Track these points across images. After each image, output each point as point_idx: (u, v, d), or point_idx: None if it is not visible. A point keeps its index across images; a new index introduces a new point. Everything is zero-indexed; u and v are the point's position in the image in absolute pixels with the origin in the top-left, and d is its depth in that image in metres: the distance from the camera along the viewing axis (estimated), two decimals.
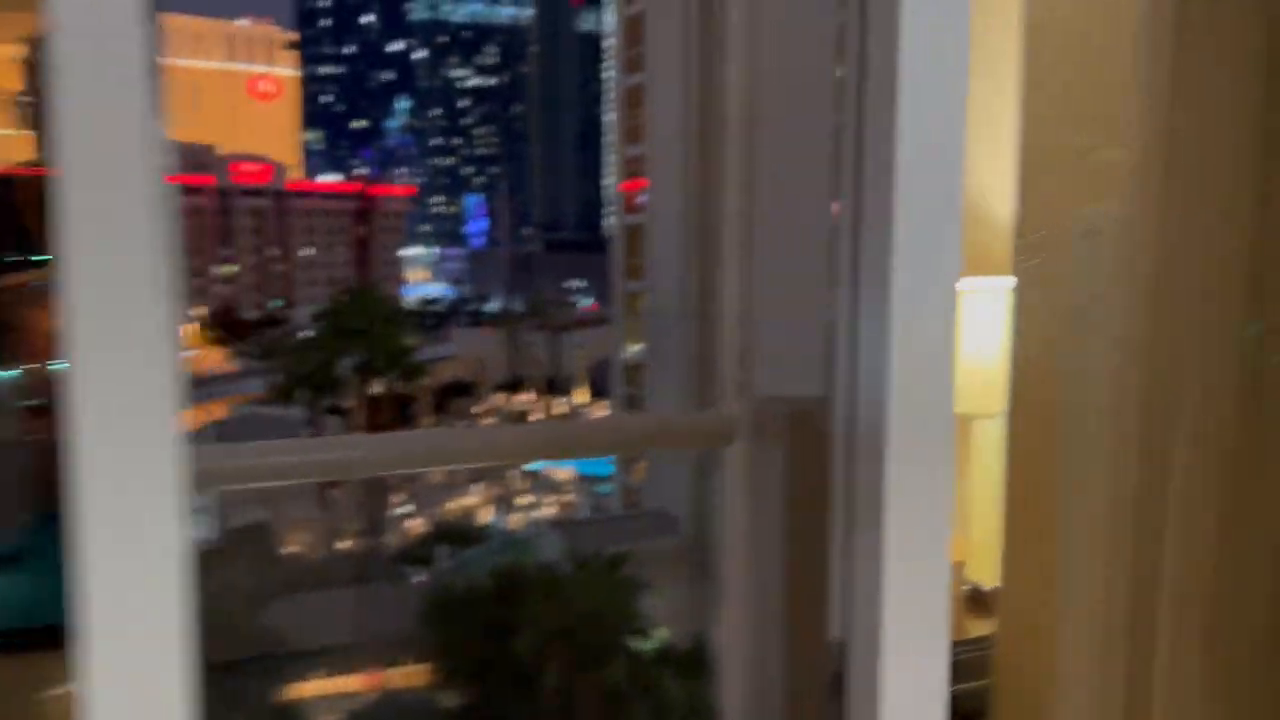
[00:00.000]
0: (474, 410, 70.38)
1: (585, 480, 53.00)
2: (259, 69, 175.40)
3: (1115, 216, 2.03)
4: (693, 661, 17.77)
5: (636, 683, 17.13)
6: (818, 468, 1.52)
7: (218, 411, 70.29)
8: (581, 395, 76.64)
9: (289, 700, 19.13)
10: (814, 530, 1.51)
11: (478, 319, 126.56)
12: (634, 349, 33.17)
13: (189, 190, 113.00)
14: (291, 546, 45.13)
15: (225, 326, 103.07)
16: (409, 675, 25.26)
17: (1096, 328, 2.19)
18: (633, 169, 33.18)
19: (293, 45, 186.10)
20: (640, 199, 32.45)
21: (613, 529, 28.96)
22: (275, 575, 36.81)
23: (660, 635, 19.36)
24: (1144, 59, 1.83)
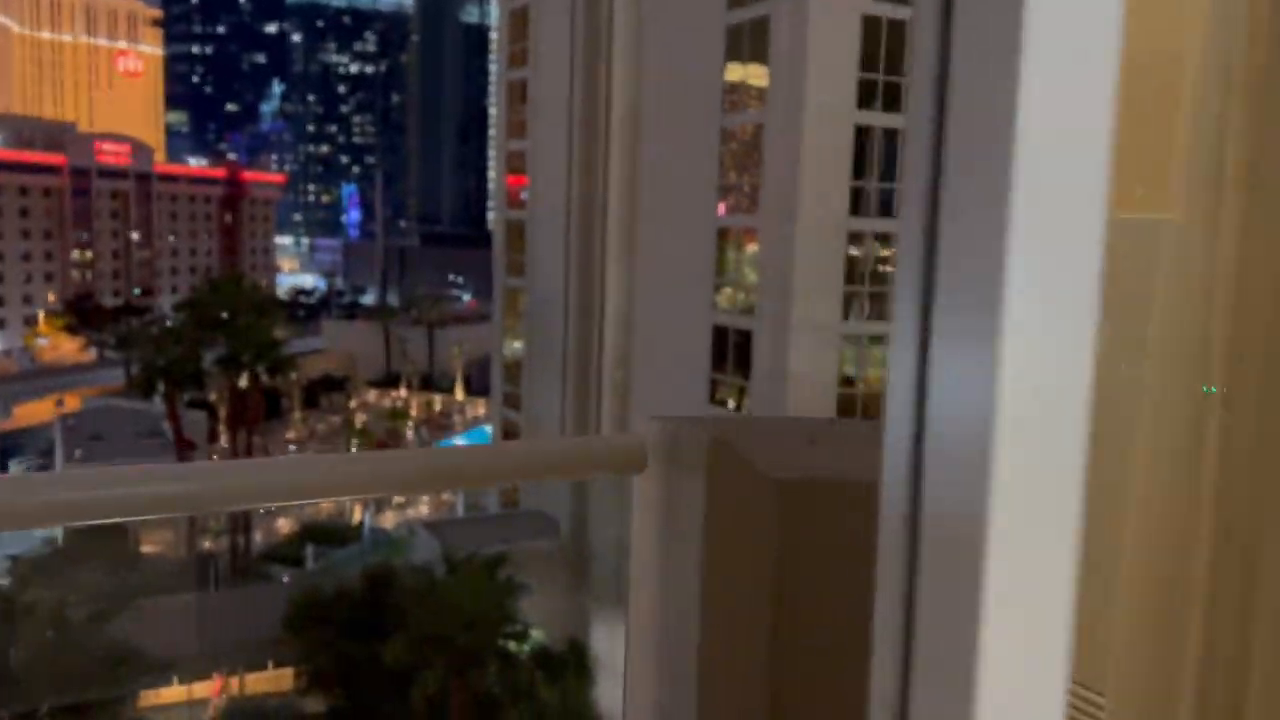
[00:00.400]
0: (349, 406, 68.43)
1: None
2: (122, 45, 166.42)
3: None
4: (569, 666, 17.67)
5: (512, 687, 16.94)
6: (744, 503, 1.39)
7: (72, 403, 66.30)
8: (458, 392, 75.43)
9: (141, 711, 18.15)
10: (743, 576, 1.39)
11: (351, 312, 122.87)
12: (514, 346, 32.85)
13: (43, 169, 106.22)
14: (150, 546, 43.04)
15: (81, 314, 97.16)
16: (271, 680, 24.34)
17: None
18: (515, 164, 32.83)
19: (157, 22, 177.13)
20: (522, 195, 32.13)
21: (489, 529, 28.61)
22: (130, 579, 34.92)
23: (536, 638, 19.18)
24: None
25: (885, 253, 22.53)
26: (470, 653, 16.84)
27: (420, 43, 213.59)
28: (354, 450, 57.68)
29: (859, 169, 21.90)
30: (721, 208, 23.48)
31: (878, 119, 21.49)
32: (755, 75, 24.08)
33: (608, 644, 23.23)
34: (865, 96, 21.52)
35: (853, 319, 22.14)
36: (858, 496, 1.64)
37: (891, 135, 21.84)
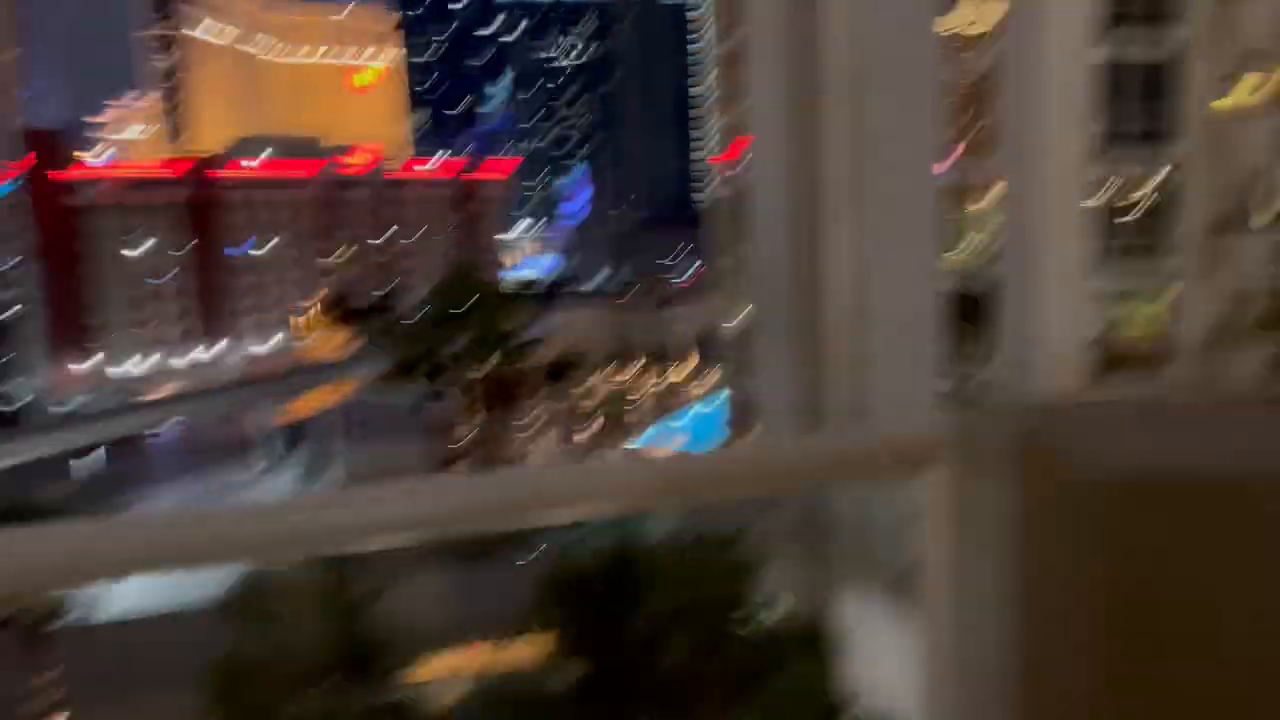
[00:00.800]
0: (583, 385, 70.78)
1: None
2: (361, 61, 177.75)
3: None
4: (811, 643, 17.43)
5: (756, 662, 16.87)
6: (1063, 510, 1.15)
7: (339, 395, 72.41)
8: (687, 367, 76.34)
9: (409, 681, 19.44)
10: (1063, 598, 1.15)
11: (579, 296, 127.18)
12: (740, 318, 32.70)
13: (298, 182, 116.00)
14: None
15: (339, 313, 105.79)
16: (523, 651, 25.57)
17: None
18: (730, 138, 32.59)
19: (397, 28, 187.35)
20: (739, 168, 31.86)
21: (723, 505, 28.74)
22: (388, 554, 37.80)
23: (777, 614, 19.04)
24: None
25: (1138, 195, 20.64)
26: (713, 627, 16.92)
27: (628, 27, 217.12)
28: (592, 427, 59.65)
29: (1104, 109, 20.09)
30: (950, 160, 22.27)
31: (1129, 52, 19.59)
32: (978, 20, 22.64)
33: (852, 622, 22.80)
34: (1110, 26, 19.69)
35: (1104, 272, 20.44)
36: (1222, 495, 1.34)
37: (1145, 70, 19.88)
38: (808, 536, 22.07)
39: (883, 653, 21.44)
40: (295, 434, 66.11)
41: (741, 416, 32.12)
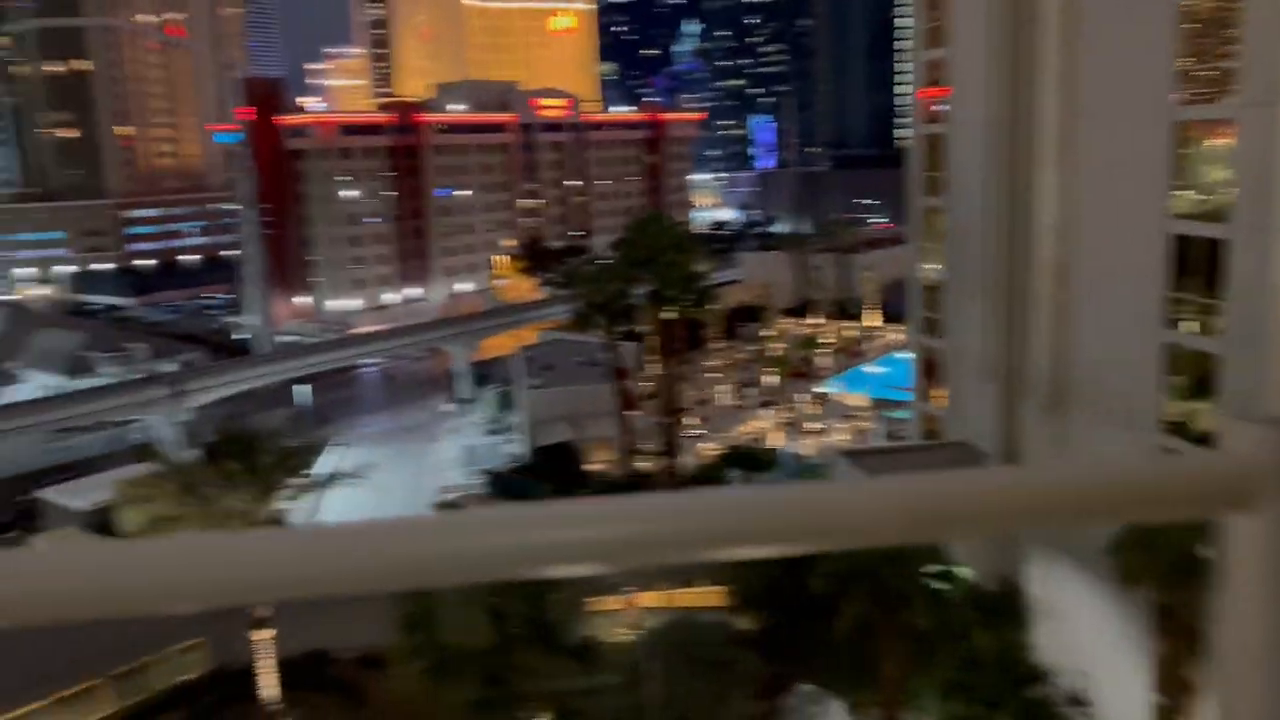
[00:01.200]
0: (764, 334, 70.12)
1: (881, 405, 51.46)
2: (558, 4, 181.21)
3: None
4: (1003, 610, 16.56)
5: (941, 626, 16.21)
6: None
7: (527, 336, 74.84)
8: (872, 319, 74.23)
9: (589, 613, 19.88)
10: None
11: (766, 242, 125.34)
12: (932, 269, 31.09)
13: (494, 128, 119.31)
14: (593, 464, 47.36)
15: (533, 257, 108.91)
16: (702, 596, 25.69)
17: None
18: (932, 75, 30.77)
19: None
20: (939, 107, 30.05)
21: (910, 460, 27.74)
22: (577, 491, 38.90)
23: (965, 577, 18.20)
24: None
25: None
26: (895, 588, 16.36)
27: None
28: (771, 378, 59.08)
29: None
30: (1179, 97, 20.10)
31: None
32: None
33: (1043, 586, 21.59)
34: None
35: None
36: None
37: None
38: None
39: (1074, 627, 20.17)
40: (487, 372, 68.77)
41: (930, 370, 30.79)
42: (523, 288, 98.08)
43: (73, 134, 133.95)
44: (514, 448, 51.87)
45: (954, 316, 28.57)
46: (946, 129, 28.67)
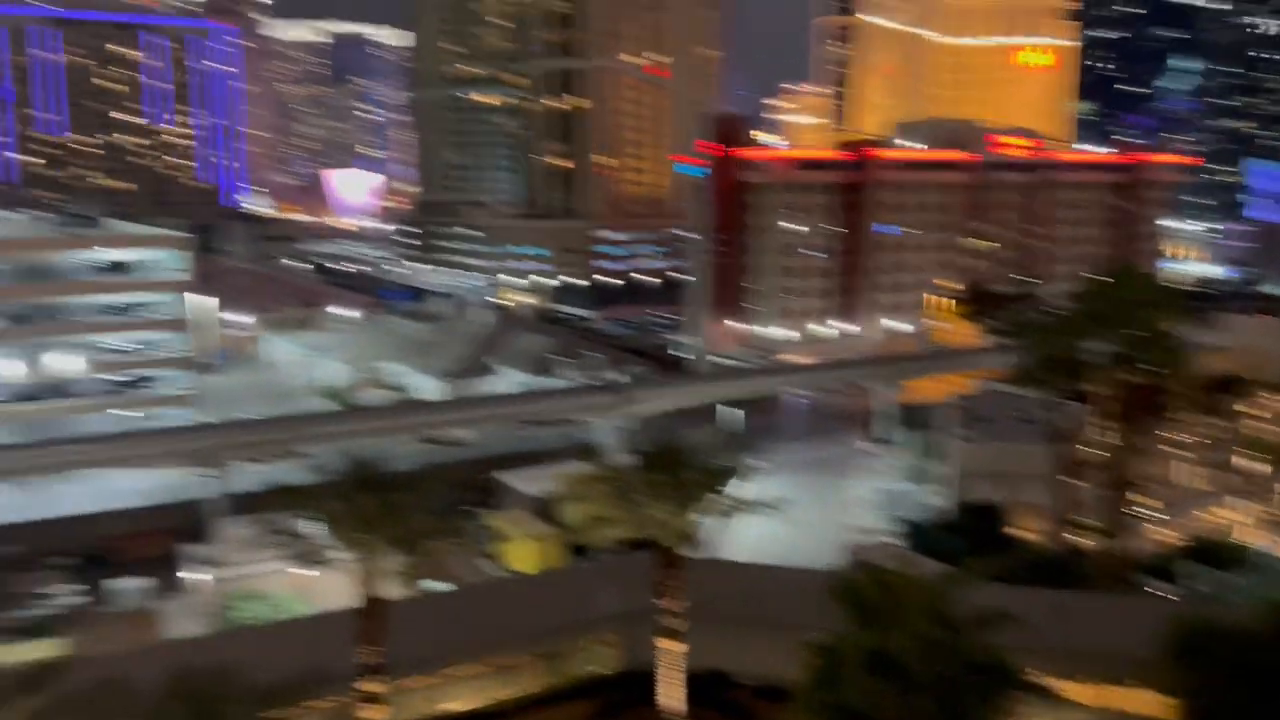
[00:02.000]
0: (1241, 410, 60.57)
1: None
2: (1032, 40, 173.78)
3: None
4: None
5: None
6: None
7: (960, 384, 71.41)
8: None
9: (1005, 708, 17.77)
10: None
11: (1258, 305, 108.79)
12: None
13: (949, 165, 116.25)
14: (1019, 530, 43.65)
15: (976, 300, 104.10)
16: (1144, 703, 22.23)
17: None
18: None
19: (1073, 15, 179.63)
20: None
21: None
22: (998, 556, 35.83)
23: None
24: None
25: None
26: None
27: None
28: (1249, 462, 50.50)
29: None
30: None
31: None
32: None
33: None
34: None
35: None
36: None
37: None
38: None
39: None
40: (914, 415, 66.48)
41: None
42: (962, 331, 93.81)
43: (566, 164, 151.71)
44: (936, 499, 49.44)
45: None
46: None
